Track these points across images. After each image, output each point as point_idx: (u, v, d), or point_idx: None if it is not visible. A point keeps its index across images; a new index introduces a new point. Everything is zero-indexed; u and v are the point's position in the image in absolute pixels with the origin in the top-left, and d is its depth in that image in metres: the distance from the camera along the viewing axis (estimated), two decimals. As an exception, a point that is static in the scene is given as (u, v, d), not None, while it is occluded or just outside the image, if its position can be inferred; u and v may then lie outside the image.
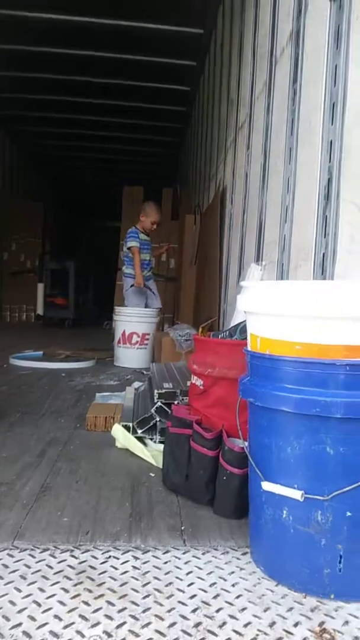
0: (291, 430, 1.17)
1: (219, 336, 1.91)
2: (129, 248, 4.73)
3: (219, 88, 5.13)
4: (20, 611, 1.07)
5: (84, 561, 1.27)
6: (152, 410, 2.15)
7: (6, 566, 1.22)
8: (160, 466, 1.85)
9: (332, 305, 1.10)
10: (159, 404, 2.14)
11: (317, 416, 1.12)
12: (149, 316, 4.56)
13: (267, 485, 1.20)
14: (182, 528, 1.48)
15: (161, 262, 7.86)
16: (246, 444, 1.36)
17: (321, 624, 1.08)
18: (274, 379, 1.19)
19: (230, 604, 1.13)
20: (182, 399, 2.13)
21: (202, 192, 6.12)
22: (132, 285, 4.73)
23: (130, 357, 4.40)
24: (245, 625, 1.06)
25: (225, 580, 1.22)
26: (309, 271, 2.16)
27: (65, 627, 1.03)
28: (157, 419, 2.14)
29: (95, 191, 12.19)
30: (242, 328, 1.84)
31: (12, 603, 1.09)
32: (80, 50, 6.05)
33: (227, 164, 4.51)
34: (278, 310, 1.17)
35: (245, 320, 1.72)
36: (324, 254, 2.02)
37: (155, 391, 2.19)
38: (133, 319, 4.43)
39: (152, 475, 1.87)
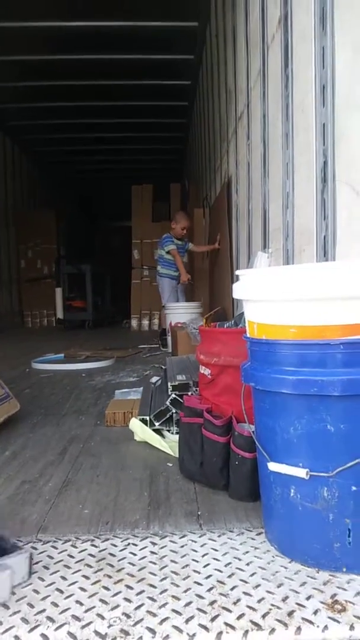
0: (292, 411, 1.20)
1: (225, 325, 1.94)
2: (168, 252, 5.38)
3: (217, 80, 5.13)
4: (43, 599, 1.12)
5: (104, 549, 1.33)
6: (167, 403, 2.19)
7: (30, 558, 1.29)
8: (178, 456, 1.90)
9: (322, 287, 1.12)
10: (173, 396, 2.19)
11: (316, 395, 1.14)
12: (193, 307, 5.10)
13: (273, 466, 1.23)
14: (199, 513, 1.52)
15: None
16: (253, 428, 1.40)
17: (333, 596, 1.11)
18: (272, 362, 1.22)
19: (245, 581, 1.17)
20: (195, 390, 2.17)
21: (209, 185, 6.13)
22: (178, 283, 5.50)
23: None
24: (259, 601, 1.10)
25: (240, 559, 1.26)
26: (312, 255, 2.17)
27: (87, 611, 1.08)
28: (173, 410, 2.19)
29: (106, 193, 12.29)
30: (247, 316, 1.87)
31: (36, 592, 1.15)
32: (79, 55, 6.12)
33: (230, 155, 4.51)
34: (270, 295, 1.19)
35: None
36: (324, 237, 2.03)
37: (169, 384, 2.23)
38: (179, 311, 4.99)
39: (170, 465, 1.92)
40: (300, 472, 1.18)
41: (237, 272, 1.36)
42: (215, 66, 5.22)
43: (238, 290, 1.30)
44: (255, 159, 3.35)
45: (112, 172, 11.28)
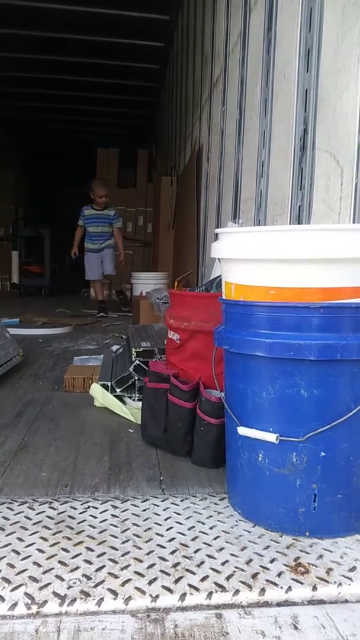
0: (266, 375, 1.17)
1: (196, 291, 1.89)
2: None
3: (192, 43, 4.96)
4: (-1, 559, 1.07)
5: (63, 512, 1.28)
6: (130, 369, 2.14)
7: (-16, 519, 1.22)
8: (139, 423, 1.86)
9: (304, 248, 1.09)
10: (137, 362, 2.13)
11: (291, 359, 1.12)
12: (159, 277, 5.23)
13: (243, 430, 1.21)
14: (161, 478, 1.50)
15: (138, 227, 7.76)
16: (222, 394, 1.37)
17: (296, 559, 1.12)
18: (249, 325, 1.18)
19: (208, 545, 1.16)
20: (160, 357, 2.13)
21: (179, 153, 5.99)
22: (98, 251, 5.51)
23: None
24: (223, 564, 1.09)
25: (203, 523, 1.24)
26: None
27: (45, 572, 1.04)
28: (136, 377, 2.14)
29: (70, 157, 11.83)
30: (218, 282, 1.82)
31: (-9, 552, 1.09)
32: (45, 4, 5.73)
33: (202, 122, 4.40)
34: (251, 255, 1.15)
35: (221, 275, 1.71)
36: (300, 207, 2.00)
37: (133, 350, 2.18)
38: (148, 281, 5.06)
39: (131, 431, 1.88)
40: (270, 437, 1.16)
41: (216, 231, 1.30)
42: (191, 29, 5.03)
43: (217, 249, 1.25)
44: (229, 126, 3.27)
45: (77, 134, 10.83)
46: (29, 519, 1.23)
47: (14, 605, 0.94)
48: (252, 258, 1.15)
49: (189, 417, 1.58)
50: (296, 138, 2.06)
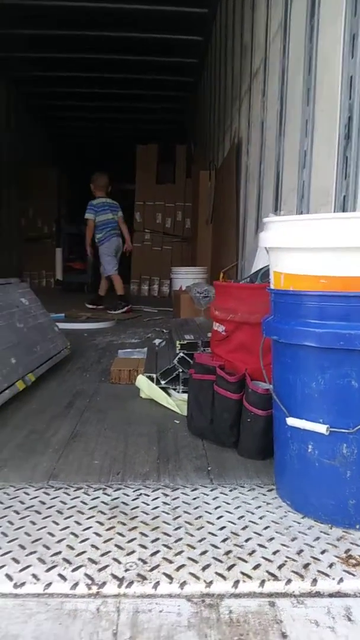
0: (315, 365, 1.17)
1: (240, 282, 1.89)
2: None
3: (231, 35, 4.91)
4: (59, 541, 1.12)
5: (117, 498, 1.32)
6: (175, 361, 2.17)
7: (43, 502, 1.28)
8: (185, 414, 1.89)
9: (357, 236, 1.08)
10: (181, 354, 2.16)
11: (342, 349, 1.11)
12: (198, 272, 5.39)
13: (292, 421, 1.21)
14: (209, 468, 1.52)
15: (177, 222, 7.78)
16: (270, 386, 1.37)
17: (347, 551, 1.11)
18: (298, 315, 1.18)
19: (259, 534, 1.17)
20: (204, 350, 2.15)
21: (217, 147, 5.96)
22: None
23: None
24: (274, 553, 1.10)
25: (252, 513, 1.26)
26: (330, 216, 2.11)
27: (102, 555, 1.08)
28: (180, 369, 2.17)
29: (109, 154, 11.97)
30: (263, 274, 1.82)
31: (51, 534, 1.14)
32: (88, 3, 5.81)
33: (242, 115, 4.37)
34: (302, 243, 1.15)
35: (266, 267, 1.71)
36: (344, 197, 1.97)
37: (177, 342, 2.21)
38: (188, 276, 5.27)
39: (177, 422, 1.91)
40: (321, 428, 1.16)
41: (265, 220, 1.30)
42: (230, 21, 4.99)
43: (265, 239, 1.25)
44: (270, 117, 3.23)
45: (117, 132, 10.94)
46: (85, 503, 1.28)
47: (75, 584, 0.99)
48: (302, 247, 1.15)
49: (236, 409, 1.59)
50: (341, 126, 2.02)
